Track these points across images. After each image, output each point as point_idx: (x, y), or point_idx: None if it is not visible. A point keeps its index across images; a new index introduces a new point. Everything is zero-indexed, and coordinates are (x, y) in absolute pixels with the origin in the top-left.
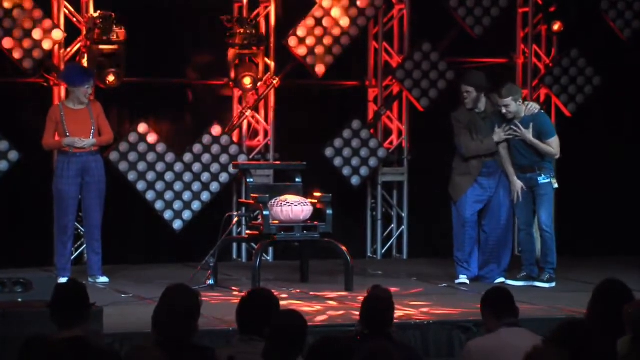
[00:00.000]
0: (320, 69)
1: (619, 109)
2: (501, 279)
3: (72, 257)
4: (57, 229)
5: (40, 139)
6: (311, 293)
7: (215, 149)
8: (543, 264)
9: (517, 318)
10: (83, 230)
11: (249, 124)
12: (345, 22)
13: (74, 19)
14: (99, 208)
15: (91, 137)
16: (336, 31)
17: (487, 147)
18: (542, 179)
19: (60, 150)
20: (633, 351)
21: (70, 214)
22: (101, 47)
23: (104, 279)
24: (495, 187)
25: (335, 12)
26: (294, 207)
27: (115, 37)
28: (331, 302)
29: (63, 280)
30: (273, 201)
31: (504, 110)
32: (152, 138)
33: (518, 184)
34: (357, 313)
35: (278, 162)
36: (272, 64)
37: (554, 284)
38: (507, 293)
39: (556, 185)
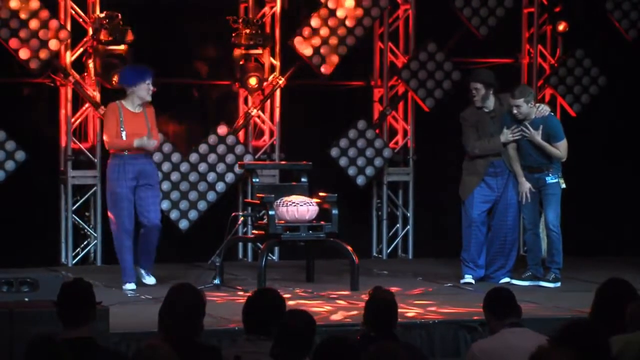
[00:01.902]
0: (325, 69)
1: (624, 109)
2: (507, 279)
3: (78, 258)
4: (121, 234)
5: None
6: (317, 293)
7: (221, 149)
8: (549, 263)
9: (519, 318)
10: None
11: (255, 124)
12: (350, 22)
13: (81, 20)
14: (159, 208)
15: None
16: (342, 31)
17: (493, 146)
18: (550, 179)
19: (115, 153)
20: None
21: (132, 216)
22: (108, 47)
23: (151, 280)
24: (503, 187)
25: (341, 13)
26: (299, 207)
27: (121, 37)
28: (337, 302)
29: (131, 286)
30: (279, 201)
31: (515, 111)
32: None
33: (526, 185)
34: (363, 313)
35: (284, 162)
36: (277, 64)
37: (559, 284)
38: (507, 293)
39: (564, 185)
